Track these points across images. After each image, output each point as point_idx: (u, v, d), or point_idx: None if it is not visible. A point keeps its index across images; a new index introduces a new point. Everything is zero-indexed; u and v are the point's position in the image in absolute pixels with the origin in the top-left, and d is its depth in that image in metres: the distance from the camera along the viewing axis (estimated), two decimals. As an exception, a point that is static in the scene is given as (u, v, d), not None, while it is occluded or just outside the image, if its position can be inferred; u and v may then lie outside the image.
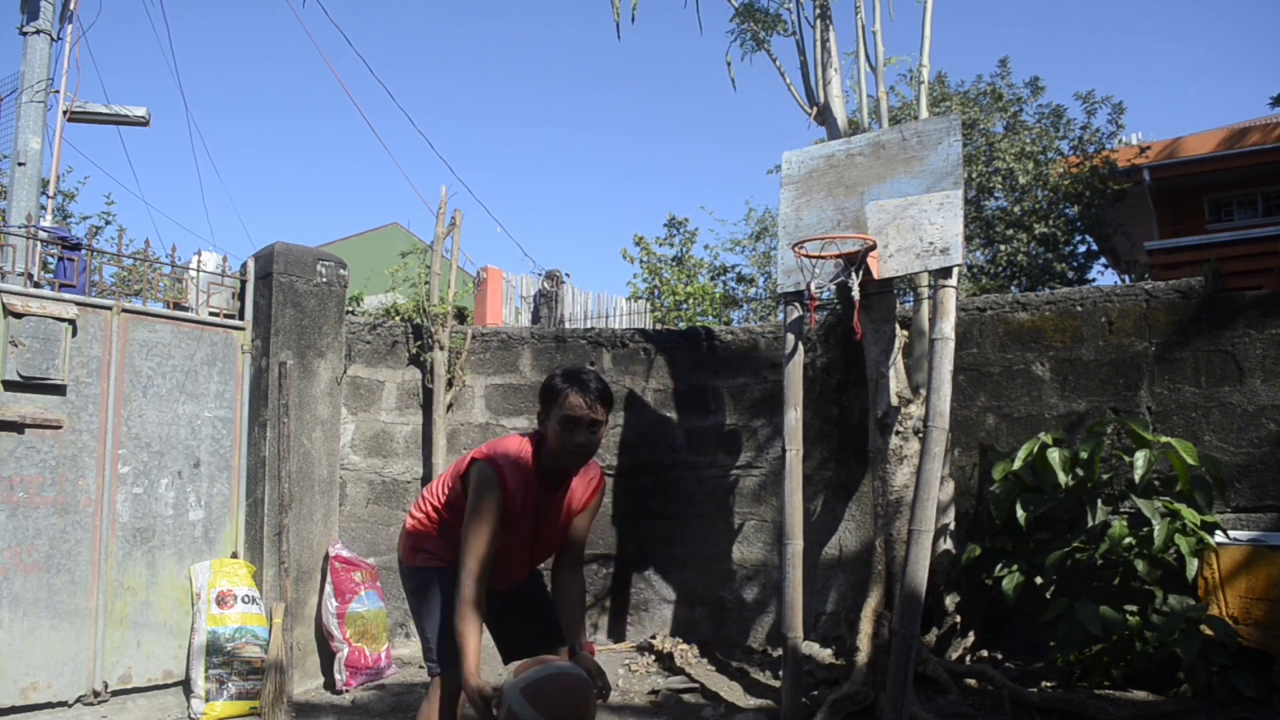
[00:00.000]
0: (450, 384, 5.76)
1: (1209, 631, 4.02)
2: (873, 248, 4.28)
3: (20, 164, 6.34)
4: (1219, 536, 4.25)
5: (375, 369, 5.70)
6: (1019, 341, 5.23)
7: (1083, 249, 11.69)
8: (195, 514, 4.64)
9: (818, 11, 5.34)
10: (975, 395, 5.29)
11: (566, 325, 10.70)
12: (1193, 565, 4.10)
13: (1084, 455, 4.37)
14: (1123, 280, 12.85)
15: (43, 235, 4.88)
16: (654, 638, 5.64)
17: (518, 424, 5.96)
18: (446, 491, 2.76)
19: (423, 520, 2.82)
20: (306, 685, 4.76)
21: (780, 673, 4.43)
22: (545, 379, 2.70)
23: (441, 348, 5.67)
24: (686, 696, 4.61)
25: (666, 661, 5.24)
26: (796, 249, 4.41)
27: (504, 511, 2.59)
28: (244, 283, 4.99)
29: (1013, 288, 10.77)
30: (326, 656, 4.85)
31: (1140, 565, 4.21)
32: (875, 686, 4.22)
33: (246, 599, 4.45)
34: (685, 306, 10.74)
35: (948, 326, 4.14)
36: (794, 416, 4.45)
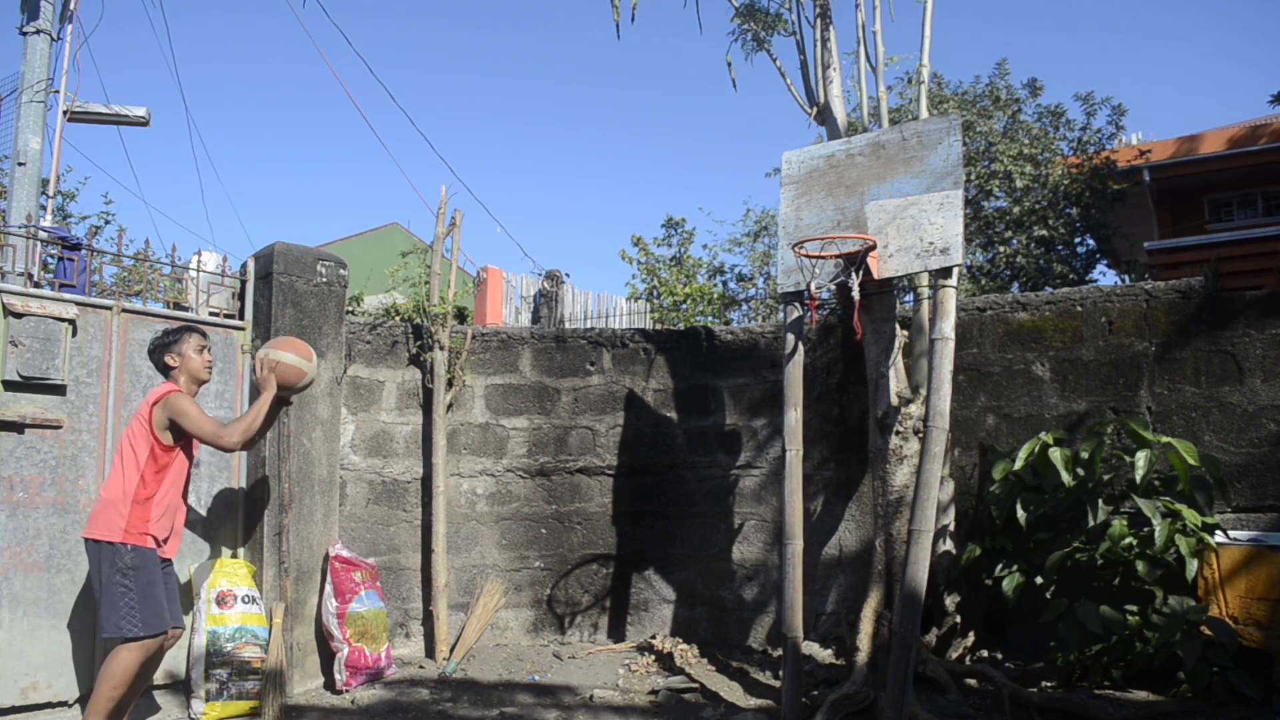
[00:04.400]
0: (450, 384, 5.76)
1: (1209, 632, 4.02)
2: (873, 248, 4.28)
3: (20, 164, 6.35)
4: (1219, 536, 4.25)
5: (375, 369, 5.70)
6: (1019, 341, 5.24)
7: (1083, 250, 11.67)
8: (195, 514, 4.63)
9: (818, 11, 5.34)
10: (975, 395, 5.29)
11: (566, 325, 10.70)
12: (1192, 565, 4.10)
13: (1084, 455, 4.37)
14: (1123, 280, 12.85)
15: (43, 235, 4.88)
16: (654, 638, 5.64)
17: (518, 423, 5.96)
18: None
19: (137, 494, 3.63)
20: (307, 685, 4.76)
21: (780, 673, 4.44)
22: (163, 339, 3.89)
23: (441, 348, 5.67)
24: (686, 696, 4.61)
25: (666, 661, 5.24)
26: (796, 249, 4.41)
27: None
28: (244, 283, 4.99)
29: (1013, 288, 10.76)
30: (326, 656, 4.85)
31: (1140, 565, 4.21)
32: (875, 686, 4.23)
33: (246, 599, 4.44)
34: (684, 307, 10.73)
35: (948, 326, 4.14)
36: (794, 416, 4.45)
